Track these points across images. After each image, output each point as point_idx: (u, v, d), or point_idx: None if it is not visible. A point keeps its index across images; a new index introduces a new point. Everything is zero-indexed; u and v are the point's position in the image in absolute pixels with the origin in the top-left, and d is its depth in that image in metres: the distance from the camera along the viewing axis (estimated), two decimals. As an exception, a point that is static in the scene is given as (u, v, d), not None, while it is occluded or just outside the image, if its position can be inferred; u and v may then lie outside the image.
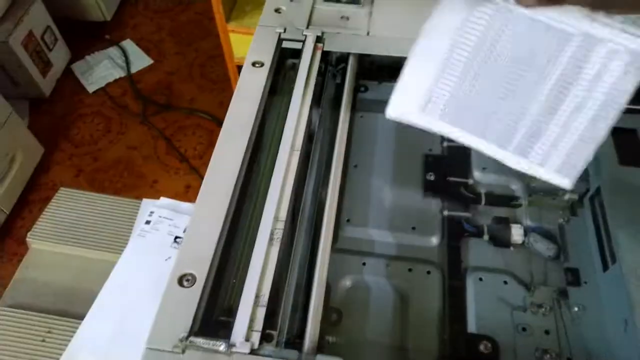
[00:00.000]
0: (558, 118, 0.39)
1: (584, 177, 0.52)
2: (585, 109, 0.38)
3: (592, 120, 0.38)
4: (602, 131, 0.38)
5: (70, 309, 0.72)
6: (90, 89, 1.69)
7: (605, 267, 0.47)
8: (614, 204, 0.48)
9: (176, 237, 0.74)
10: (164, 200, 0.76)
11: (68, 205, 0.82)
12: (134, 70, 1.74)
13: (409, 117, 0.40)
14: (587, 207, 0.52)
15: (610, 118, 0.38)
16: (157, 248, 0.72)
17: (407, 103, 0.40)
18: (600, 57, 0.37)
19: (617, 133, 0.52)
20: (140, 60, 1.77)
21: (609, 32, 0.36)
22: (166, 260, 0.72)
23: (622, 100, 0.38)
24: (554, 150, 0.39)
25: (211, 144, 1.47)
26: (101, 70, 1.74)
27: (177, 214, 0.74)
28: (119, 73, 1.73)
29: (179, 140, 1.51)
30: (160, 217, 0.74)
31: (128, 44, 1.82)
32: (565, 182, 0.39)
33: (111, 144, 1.55)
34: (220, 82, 1.66)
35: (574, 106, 0.39)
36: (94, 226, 0.79)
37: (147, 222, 0.74)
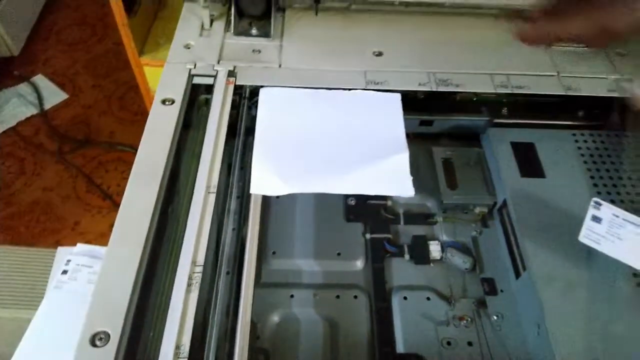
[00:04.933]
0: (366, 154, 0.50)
1: (491, 190, 0.56)
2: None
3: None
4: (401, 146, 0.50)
5: (-20, 377, 0.66)
6: (-1, 129, 1.57)
7: (517, 275, 0.50)
8: (520, 214, 0.51)
9: (97, 285, 0.70)
10: (80, 246, 0.71)
11: (-28, 262, 0.75)
12: (47, 106, 1.64)
13: (269, 192, 0.48)
14: (497, 218, 0.55)
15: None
16: (76, 299, 0.68)
17: (263, 183, 0.48)
18: None
19: (517, 147, 0.56)
20: (54, 96, 1.68)
21: None
22: (88, 311, 0.67)
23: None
24: (380, 175, 0.49)
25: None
26: (10, 109, 1.63)
27: (96, 260, 0.70)
28: (31, 110, 1.62)
29: (101, 176, 1.44)
30: (77, 265, 0.70)
31: (40, 80, 1.72)
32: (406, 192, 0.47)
33: (26, 187, 1.44)
34: (142, 114, 1.61)
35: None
36: (4, 282, 0.73)
37: (64, 272, 0.70)
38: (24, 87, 1.69)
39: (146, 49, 0.99)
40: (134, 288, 0.39)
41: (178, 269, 0.41)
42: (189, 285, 0.40)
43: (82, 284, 0.69)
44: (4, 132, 1.57)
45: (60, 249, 0.73)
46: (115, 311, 0.38)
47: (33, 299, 0.71)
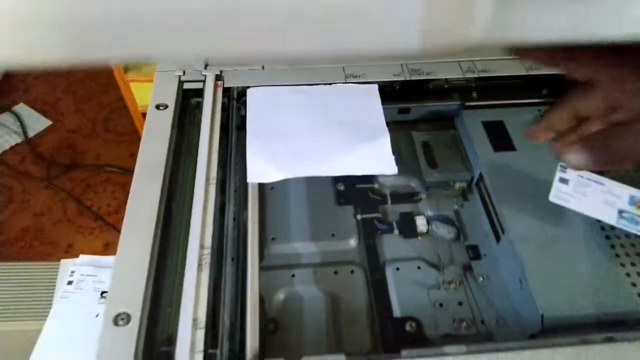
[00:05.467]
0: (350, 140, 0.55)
1: (469, 166, 0.60)
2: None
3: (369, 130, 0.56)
4: (381, 130, 0.55)
5: (-5, 390, 0.67)
6: (-16, 160, 1.58)
7: (497, 239, 0.55)
8: (495, 185, 0.56)
9: (102, 292, 0.72)
10: (83, 257, 0.74)
11: (-23, 282, 0.76)
12: (31, 133, 1.66)
13: (265, 180, 0.51)
14: (475, 192, 0.60)
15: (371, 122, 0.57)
16: (83, 307, 0.70)
17: (258, 172, 0.51)
18: None
19: (488, 125, 0.61)
20: (38, 123, 1.69)
21: None
22: (96, 317, 0.70)
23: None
24: (365, 157, 0.53)
25: (126, 197, 1.47)
26: (-6, 139, 1.64)
27: (100, 269, 0.73)
28: (15, 139, 1.64)
29: (90, 198, 1.46)
30: (82, 275, 0.72)
31: (21, 108, 1.74)
32: (389, 170, 0.52)
33: (15, 215, 1.45)
34: (127, 134, 1.63)
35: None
36: (11, 296, 0.75)
37: (69, 283, 0.72)
38: (6, 117, 1.70)
39: (130, 65, 1.03)
40: (149, 272, 0.42)
41: (188, 252, 0.44)
42: (199, 265, 0.43)
43: (88, 292, 0.72)
44: (-11, 162, 1.58)
45: (63, 261, 0.75)
46: (133, 293, 0.41)
47: (41, 310, 0.73)
